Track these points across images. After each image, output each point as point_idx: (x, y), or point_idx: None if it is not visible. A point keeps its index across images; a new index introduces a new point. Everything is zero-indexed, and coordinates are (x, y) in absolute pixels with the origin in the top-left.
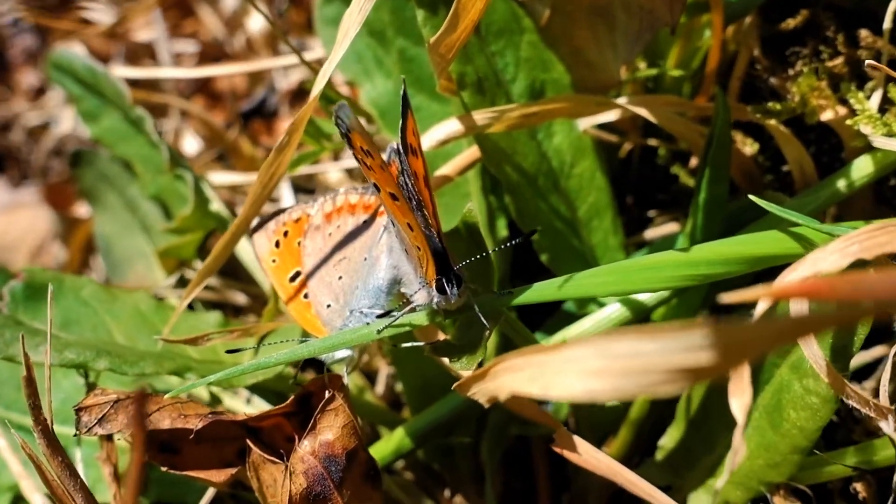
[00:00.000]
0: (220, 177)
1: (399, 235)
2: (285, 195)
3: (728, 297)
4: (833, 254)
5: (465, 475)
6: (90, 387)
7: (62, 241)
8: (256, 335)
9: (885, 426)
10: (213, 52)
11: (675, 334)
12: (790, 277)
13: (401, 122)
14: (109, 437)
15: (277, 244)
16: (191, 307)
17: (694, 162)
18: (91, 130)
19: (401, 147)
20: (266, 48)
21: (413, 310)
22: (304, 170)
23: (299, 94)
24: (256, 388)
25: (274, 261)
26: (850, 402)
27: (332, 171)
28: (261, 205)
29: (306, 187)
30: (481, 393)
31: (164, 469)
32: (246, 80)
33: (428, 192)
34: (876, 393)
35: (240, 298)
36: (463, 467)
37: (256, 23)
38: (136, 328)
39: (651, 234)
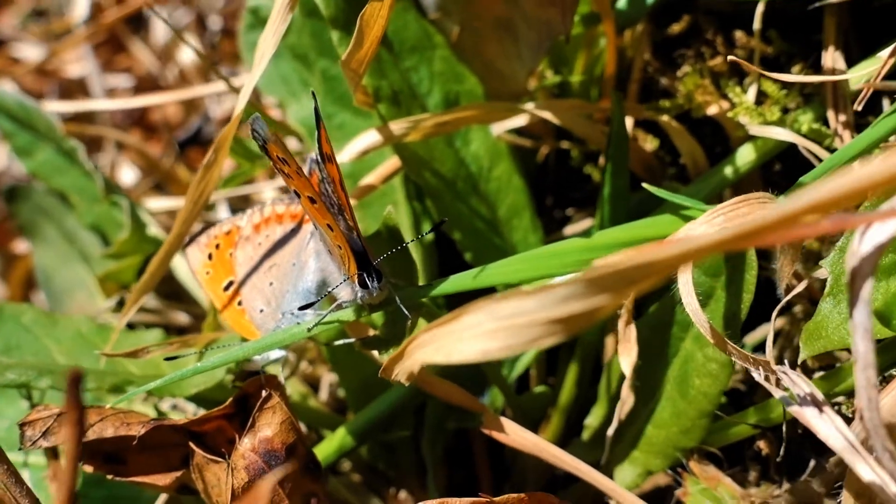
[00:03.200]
0: (157, 202)
1: (322, 240)
2: (223, 215)
3: (598, 262)
4: (702, 224)
5: (407, 470)
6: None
7: (1, 277)
8: (196, 346)
9: (756, 375)
10: (147, 86)
11: (551, 290)
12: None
13: (316, 132)
14: (56, 455)
15: (210, 256)
16: (132, 327)
17: (603, 161)
18: (26, 165)
19: (318, 156)
20: (199, 78)
21: (340, 307)
22: (239, 190)
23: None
24: (200, 400)
25: (208, 272)
26: (736, 360)
27: (268, 191)
28: (192, 222)
29: (243, 207)
30: (401, 372)
31: (109, 477)
32: (181, 110)
33: (344, 194)
34: (781, 364)
35: (182, 318)
36: (405, 463)
37: (188, 54)
38: (77, 350)
39: (570, 230)
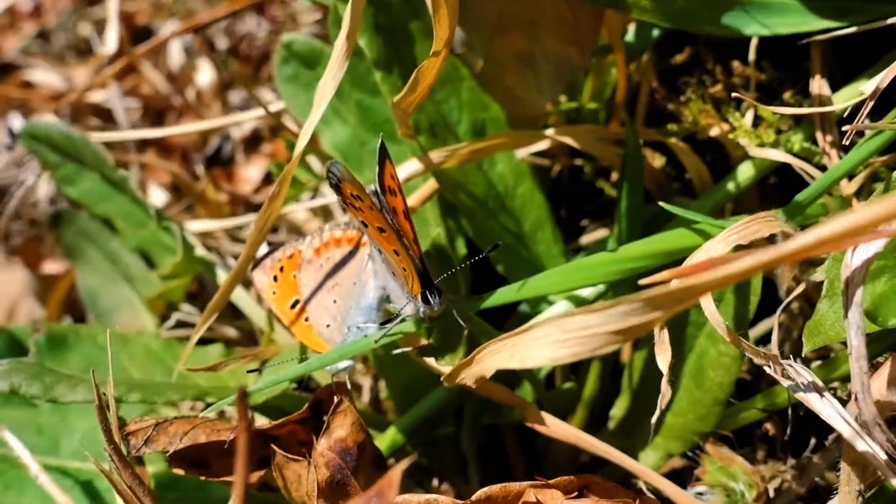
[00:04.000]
0: (194, 224)
1: (385, 261)
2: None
3: (644, 281)
4: (720, 242)
5: (448, 464)
6: (120, 420)
7: (37, 298)
8: (260, 359)
9: (766, 367)
10: (156, 104)
11: (610, 308)
12: (689, 262)
13: (377, 168)
14: (140, 461)
15: (275, 278)
16: (180, 341)
17: (615, 176)
18: (69, 193)
19: (379, 189)
20: (215, 99)
21: (402, 320)
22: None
23: (253, 141)
24: (259, 408)
25: (274, 292)
26: (749, 356)
27: (299, 211)
28: (258, 246)
29: (277, 226)
30: (469, 376)
31: (202, 478)
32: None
33: (408, 223)
34: (783, 355)
35: (230, 332)
36: (447, 457)
37: (205, 76)
38: (150, 366)
39: (586, 239)
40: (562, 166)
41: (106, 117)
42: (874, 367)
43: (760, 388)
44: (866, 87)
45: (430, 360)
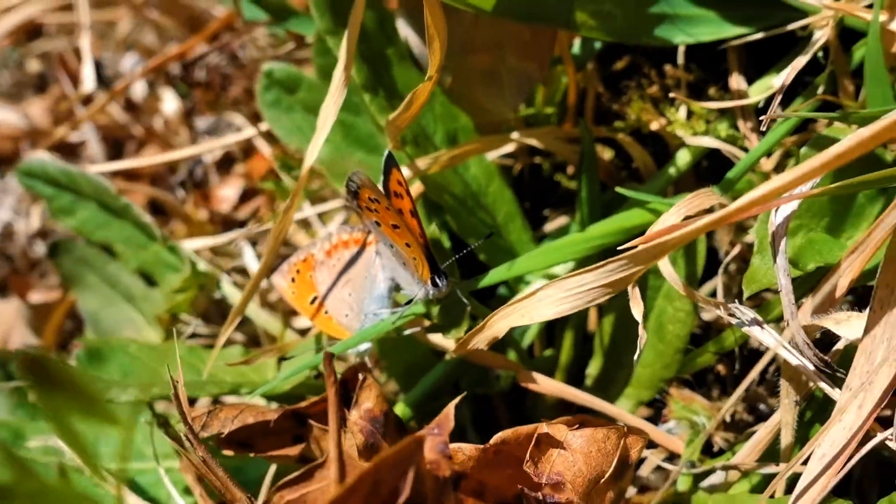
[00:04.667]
0: (188, 243)
1: (396, 254)
2: (246, 252)
3: (623, 247)
4: (672, 215)
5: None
6: (159, 418)
7: (29, 326)
8: (283, 352)
9: (719, 312)
10: (114, 134)
11: (600, 267)
12: (651, 231)
13: (382, 176)
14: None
15: (293, 280)
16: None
17: (570, 170)
18: (66, 224)
19: (384, 192)
20: (182, 125)
21: (414, 303)
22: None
23: (226, 163)
24: (282, 398)
25: (293, 292)
26: (701, 305)
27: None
28: (276, 254)
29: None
30: (482, 340)
31: (251, 455)
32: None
33: (416, 220)
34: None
35: (237, 336)
36: None
37: (170, 105)
38: (182, 369)
39: (549, 227)
40: (522, 165)
41: (67, 151)
42: (799, 305)
43: (710, 337)
44: (776, 80)
45: (435, 338)
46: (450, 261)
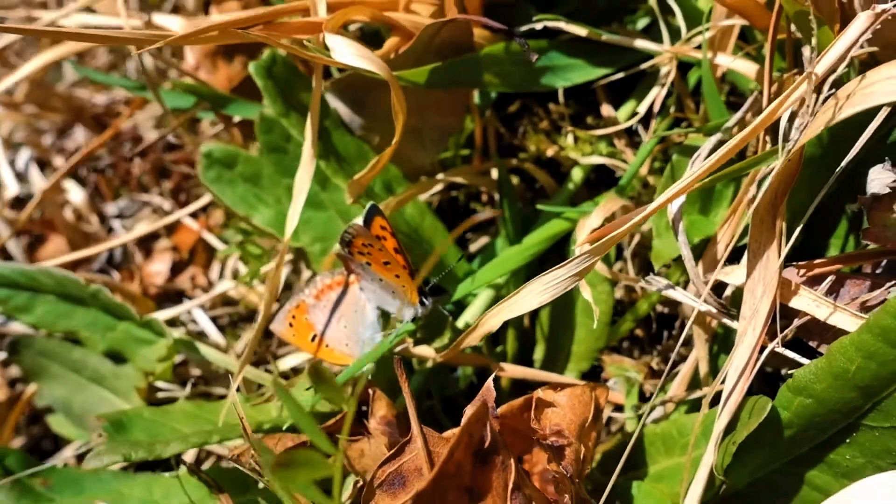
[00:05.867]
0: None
1: (384, 287)
2: (199, 316)
3: (579, 243)
4: (595, 217)
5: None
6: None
7: None
8: (292, 386)
9: (643, 283)
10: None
11: (569, 263)
12: (583, 233)
13: (363, 223)
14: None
15: (291, 325)
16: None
17: (484, 198)
18: (24, 321)
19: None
20: (91, 213)
21: (404, 323)
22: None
23: (147, 240)
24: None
25: (294, 335)
26: (624, 283)
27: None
28: (270, 308)
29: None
30: (475, 337)
31: None
32: (81, 238)
33: (402, 255)
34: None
35: (218, 390)
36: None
37: (76, 195)
38: (196, 423)
39: (473, 247)
40: (441, 199)
41: None
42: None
43: (626, 310)
44: (641, 108)
45: (418, 350)
46: (427, 287)
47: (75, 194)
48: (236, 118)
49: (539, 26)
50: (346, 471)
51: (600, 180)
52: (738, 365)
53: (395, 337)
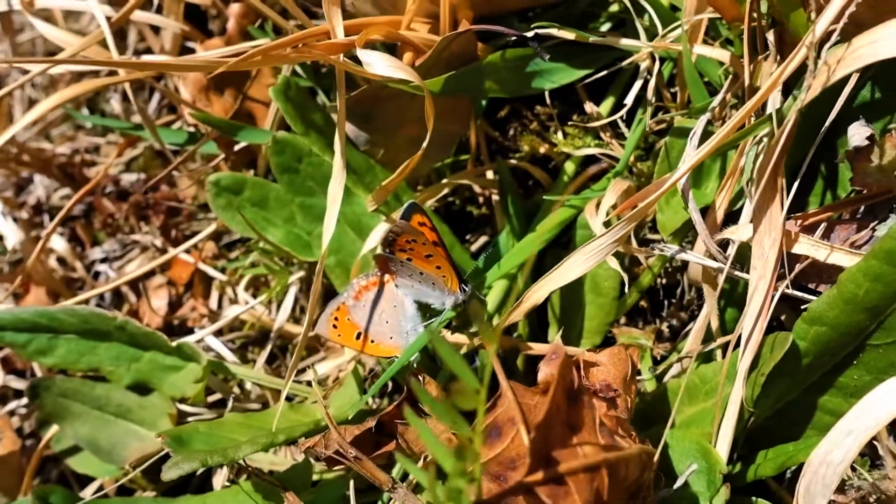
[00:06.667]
0: None
1: (424, 280)
2: (214, 343)
3: (608, 218)
4: (610, 194)
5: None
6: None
7: None
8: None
9: (657, 249)
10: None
11: (608, 233)
12: (601, 210)
13: (401, 217)
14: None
15: (335, 326)
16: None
17: (481, 200)
18: (45, 362)
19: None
20: (74, 260)
21: (446, 311)
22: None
23: (140, 278)
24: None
25: (339, 335)
26: (635, 254)
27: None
28: (311, 323)
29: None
30: (520, 312)
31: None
32: (62, 287)
33: (441, 247)
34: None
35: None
36: None
37: (58, 243)
38: (246, 431)
39: (474, 247)
40: (439, 204)
41: None
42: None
43: (632, 283)
44: (628, 99)
45: (454, 337)
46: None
47: (57, 243)
48: (239, 145)
49: (530, 34)
50: (408, 452)
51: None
52: (755, 308)
53: (440, 324)
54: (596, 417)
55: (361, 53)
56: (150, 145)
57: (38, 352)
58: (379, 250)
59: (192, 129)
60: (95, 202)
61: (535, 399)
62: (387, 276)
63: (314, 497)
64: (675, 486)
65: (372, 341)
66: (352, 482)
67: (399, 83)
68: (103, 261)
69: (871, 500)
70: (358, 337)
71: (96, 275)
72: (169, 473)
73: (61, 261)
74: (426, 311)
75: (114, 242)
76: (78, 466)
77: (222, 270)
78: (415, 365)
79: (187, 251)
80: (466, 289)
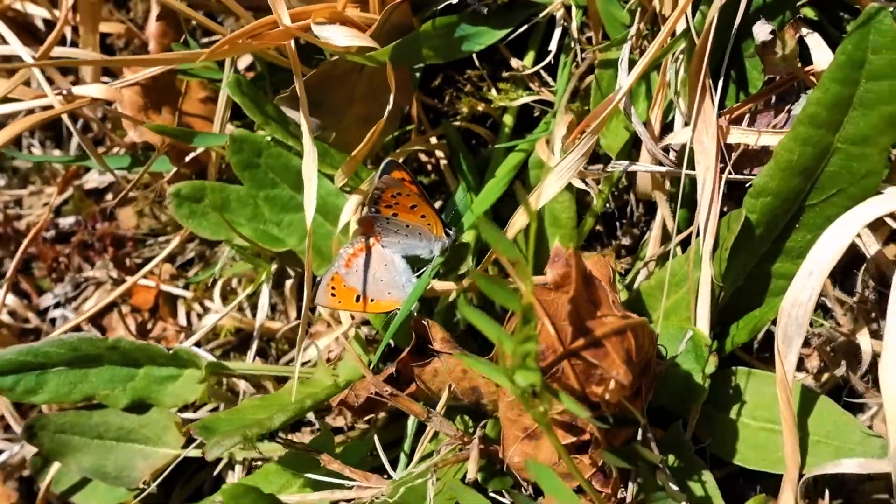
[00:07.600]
0: None
1: (410, 233)
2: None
3: (574, 135)
4: (560, 127)
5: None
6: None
7: None
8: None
9: (610, 169)
10: None
11: (574, 150)
12: (555, 138)
13: (379, 175)
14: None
15: (333, 294)
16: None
17: (429, 167)
18: (35, 401)
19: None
20: (25, 310)
21: (435, 258)
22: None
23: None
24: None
25: (340, 302)
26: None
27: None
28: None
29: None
30: (515, 225)
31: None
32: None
33: (422, 197)
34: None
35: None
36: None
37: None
38: (265, 410)
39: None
40: None
41: None
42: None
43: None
44: (551, 46)
45: (439, 285)
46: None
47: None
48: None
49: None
50: (424, 393)
51: (524, 118)
52: (707, 195)
53: (431, 270)
54: (609, 296)
55: (319, 30)
56: (79, 186)
57: (27, 392)
58: (365, 212)
59: (131, 153)
60: (38, 250)
61: (551, 295)
62: (371, 240)
63: (342, 459)
64: (678, 353)
65: (372, 300)
66: (376, 436)
67: (356, 55)
68: (56, 306)
69: (829, 348)
70: (358, 300)
71: (52, 321)
72: (213, 452)
73: (12, 314)
74: (416, 262)
75: (65, 285)
76: (84, 500)
77: (186, 287)
78: (415, 313)
79: (145, 277)
80: (451, 232)
